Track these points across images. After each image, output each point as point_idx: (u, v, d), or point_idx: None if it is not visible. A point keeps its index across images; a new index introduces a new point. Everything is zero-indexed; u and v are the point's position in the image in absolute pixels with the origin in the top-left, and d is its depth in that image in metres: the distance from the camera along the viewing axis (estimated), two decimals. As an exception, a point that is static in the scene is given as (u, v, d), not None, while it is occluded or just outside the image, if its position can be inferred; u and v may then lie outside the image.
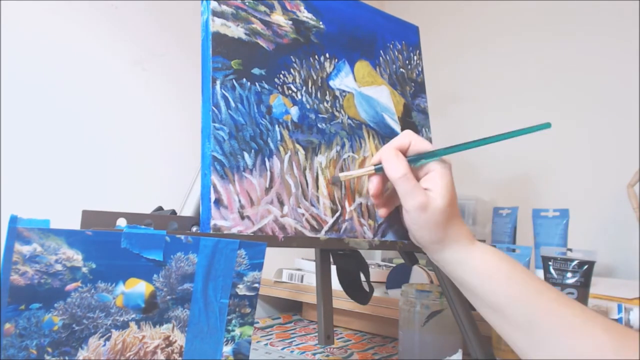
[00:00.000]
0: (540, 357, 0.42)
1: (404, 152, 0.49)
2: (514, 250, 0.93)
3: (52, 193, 0.84)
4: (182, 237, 0.38)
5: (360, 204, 0.55)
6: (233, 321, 0.41)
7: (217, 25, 0.48)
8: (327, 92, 0.56)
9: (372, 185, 0.51)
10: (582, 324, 0.41)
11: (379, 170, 0.50)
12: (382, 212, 0.53)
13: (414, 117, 0.65)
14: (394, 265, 1.08)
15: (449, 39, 1.38)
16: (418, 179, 0.49)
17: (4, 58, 0.81)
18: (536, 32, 1.22)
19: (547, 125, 0.48)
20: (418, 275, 0.92)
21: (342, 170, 0.54)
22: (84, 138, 0.90)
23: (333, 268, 0.73)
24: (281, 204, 0.48)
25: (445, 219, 0.47)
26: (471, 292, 0.47)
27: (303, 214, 0.49)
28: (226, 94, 0.47)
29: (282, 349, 0.86)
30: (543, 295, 0.44)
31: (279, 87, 0.51)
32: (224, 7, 0.49)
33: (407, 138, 0.49)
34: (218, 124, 0.45)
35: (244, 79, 0.48)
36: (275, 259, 1.14)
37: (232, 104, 0.47)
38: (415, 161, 0.49)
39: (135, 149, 0.97)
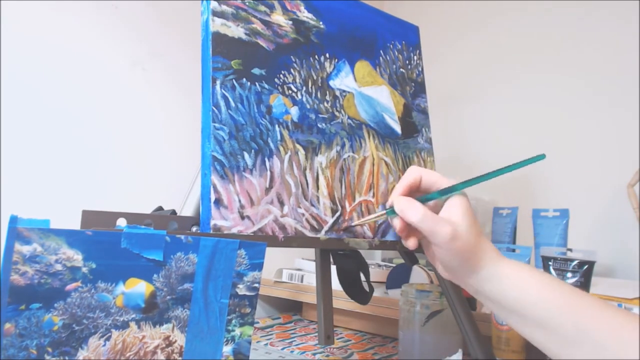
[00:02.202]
0: None
1: (417, 187, 0.51)
2: (514, 250, 0.93)
3: (52, 193, 0.84)
4: (182, 237, 0.38)
5: (361, 203, 0.55)
6: (233, 321, 0.41)
7: (217, 25, 0.48)
8: (327, 92, 0.56)
9: (396, 224, 0.52)
10: (626, 323, 0.41)
11: (391, 213, 0.50)
12: (411, 244, 0.52)
13: (414, 117, 0.65)
14: (394, 265, 1.08)
15: (449, 39, 1.38)
16: (437, 210, 0.50)
17: (4, 58, 0.81)
18: (536, 32, 1.22)
19: (542, 157, 0.50)
20: (418, 275, 0.92)
21: (342, 170, 0.54)
22: (84, 138, 0.90)
23: (333, 268, 0.73)
24: (281, 204, 0.48)
25: (474, 240, 0.48)
26: (511, 310, 0.47)
27: (303, 214, 0.49)
28: (226, 94, 0.47)
29: (282, 349, 0.86)
30: (582, 299, 0.44)
31: (279, 87, 0.51)
32: (224, 7, 0.49)
33: (417, 173, 0.50)
34: (218, 124, 0.45)
35: (244, 79, 0.48)
36: (275, 259, 1.14)
37: (232, 104, 0.47)
38: (425, 201, 0.50)
39: (136, 149, 0.97)
